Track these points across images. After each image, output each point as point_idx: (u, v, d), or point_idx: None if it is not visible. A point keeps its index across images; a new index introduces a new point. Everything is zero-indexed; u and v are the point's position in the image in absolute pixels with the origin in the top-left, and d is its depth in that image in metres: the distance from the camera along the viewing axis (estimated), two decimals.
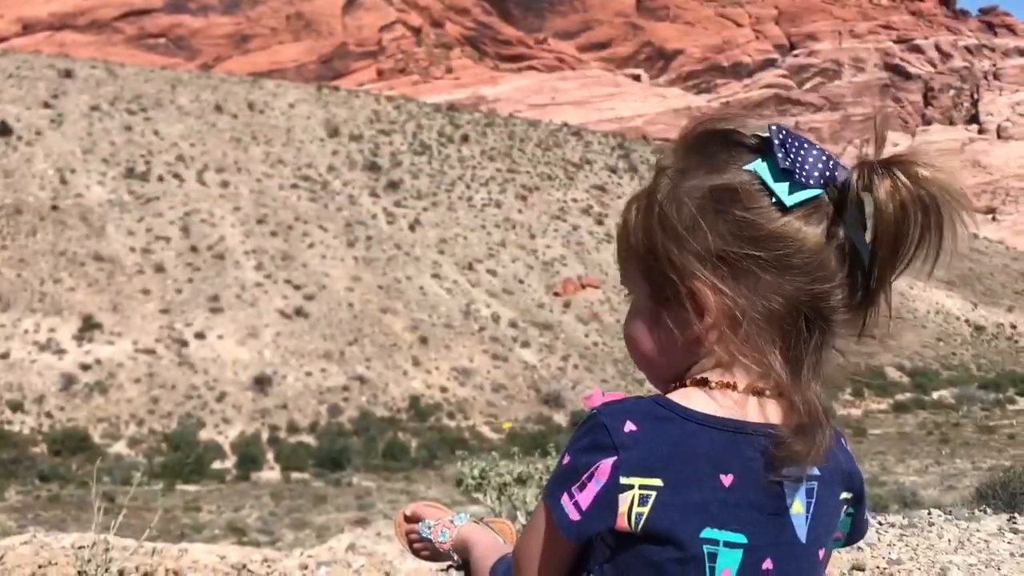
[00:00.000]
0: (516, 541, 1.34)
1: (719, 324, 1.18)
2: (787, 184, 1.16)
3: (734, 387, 1.19)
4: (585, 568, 1.23)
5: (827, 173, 1.17)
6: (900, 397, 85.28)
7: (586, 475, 1.15)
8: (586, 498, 1.15)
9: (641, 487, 1.13)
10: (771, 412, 1.19)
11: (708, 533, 1.14)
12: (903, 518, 3.85)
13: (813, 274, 1.17)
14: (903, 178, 1.16)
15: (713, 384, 1.19)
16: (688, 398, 1.19)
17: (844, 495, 1.27)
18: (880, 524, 3.75)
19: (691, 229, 1.18)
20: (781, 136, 1.18)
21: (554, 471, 1.22)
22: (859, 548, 3.45)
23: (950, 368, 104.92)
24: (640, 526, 1.14)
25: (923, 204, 1.16)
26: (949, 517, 3.90)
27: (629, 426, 1.15)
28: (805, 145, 1.18)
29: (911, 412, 78.01)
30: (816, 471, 1.21)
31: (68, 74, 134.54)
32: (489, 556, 1.70)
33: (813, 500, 1.20)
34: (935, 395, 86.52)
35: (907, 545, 3.35)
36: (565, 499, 1.17)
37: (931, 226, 1.16)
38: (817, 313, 1.18)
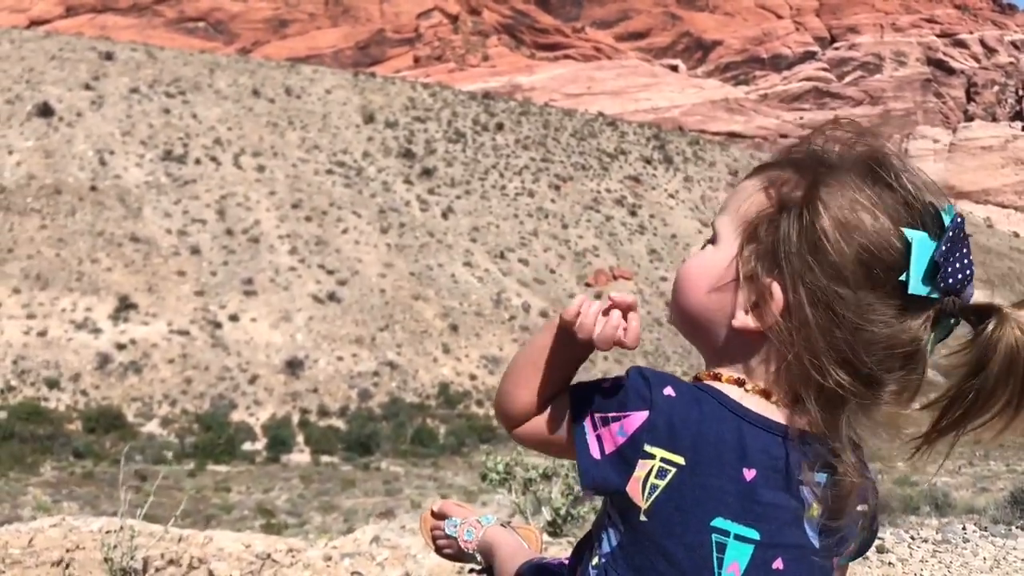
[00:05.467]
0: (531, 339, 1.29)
1: (773, 336, 1.16)
2: (926, 277, 1.12)
3: (768, 395, 1.18)
4: (597, 552, 1.21)
5: (957, 286, 1.13)
6: (934, 395, 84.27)
7: (613, 413, 1.15)
8: (608, 441, 1.15)
9: (662, 459, 1.13)
10: (803, 421, 1.18)
11: (719, 523, 1.14)
12: (937, 533, 3.75)
13: (881, 357, 1.14)
14: None
15: (749, 388, 1.18)
16: (727, 390, 1.18)
17: (860, 507, 1.26)
18: (913, 539, 3.66)
19: (813, 247, 1.15)
20: (957, 230, 1.13)
21: (590, 389, 1.20)
22: (890, 564, 3.37)
23: None
24: (652, 499, 1.13)
25: None
26: (984, 533, 3.80)
27: (668, 390, 1.15)
28: (964, 250, 1.13)
29: None
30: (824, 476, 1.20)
31: (109, 56, 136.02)
32: (515, 560, 1.67)
33: (827, 507, 1.19)
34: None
35: (940, 562, 3.26)
36: (588, 421, 1.17)
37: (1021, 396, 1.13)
38: (863, 391, 1.15)
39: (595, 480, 1.16)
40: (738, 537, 1.14)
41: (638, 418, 1.13)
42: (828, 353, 1.13)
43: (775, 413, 1.17)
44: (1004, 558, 3.38)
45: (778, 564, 1.16)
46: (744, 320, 1.18)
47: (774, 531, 1.15)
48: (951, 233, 1.12)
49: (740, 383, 1.18)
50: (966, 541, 3.68)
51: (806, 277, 1.14)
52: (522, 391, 1.24)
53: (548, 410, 1.23)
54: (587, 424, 1.16)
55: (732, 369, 1.19)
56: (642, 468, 1.13)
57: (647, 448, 1.13)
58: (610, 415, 1.15)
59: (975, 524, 4.21)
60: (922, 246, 1.12)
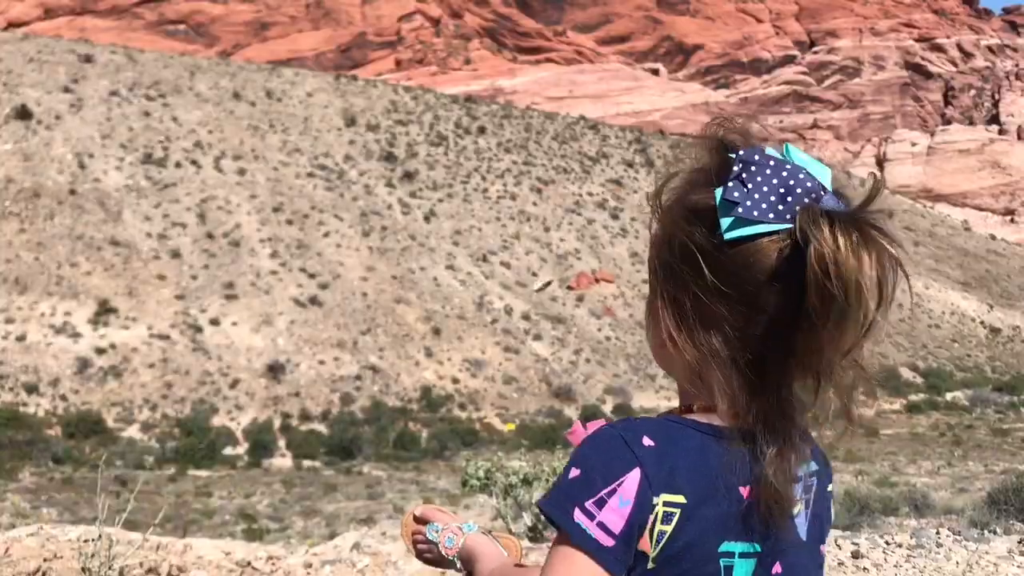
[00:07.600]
0: None
1: (687, 355, 1.16)
2: (730, 218, 1.08)
3: (714, 410, 1.17)
4: None
5: (784, 207, 1.06)
6: (913, 397, 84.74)
7: (606, 490, 1.09)
8: (615, 519, 1.08)
9: (665, 504, 1.10)
10: (747, 424, 1.17)
11: (726, 546, 1.13)
12: (911, 537, 3.78)
13: (752, 315, 1.10)
14: (853, 241, 1.03)
15: (701, 408, 1.19)
16: (697, 416, 1.18)
17: (829, 487, 1.29)
18: (887, 544, 3.68)
19: (658, 244, 1.16)
20: (743, 163, 1.09)
21: (554, 487, 1.15)
22: (865, 569, 3.40)
23: (964, 370, 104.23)
24: (660, 545, 1.11)
25: (853, 280, 1.03)
26: (958, 538, 3.83)
27: (647, 441, 1.11)
28: (767, 172, 1.07)
29: (924, 413, 77.55)
30: (813, 465, 1.21)
31: (88, 59, 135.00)
32: (493, 570, 1.68)
33: (811, 496, 1.21)
34: (949, 396, 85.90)
35: (914, 567, 3.28)
36: (579, 515, 1.09)
37: (848, 305, 1.04)
38: (765, 353, 1.12)
39: (623, 564, 1.10)
40: (742, 555, 1.14)
41: (633, 479, 1.09)
42: (715, 335, 1.11)
43: (731, 422, 1.16)
44: (976, 562, 3.40)
45: (777, 568, 1.18)
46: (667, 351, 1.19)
47: (773, 542, 1.16)
48: (737, 167, 1.08)
49: (705, 409, 1.17)
50: (939, 546, 3.67)
51: (666, 283, 1.15)
52: None
53: None
54: (579, 518, 1.09)
55: (698, 398, 1.18)
56: (649, 522, 1.11)
57: (654, 501, 1.10)
58: (602, 494, 1.09)
59: (949, 528, 4.26)
60: (719, 193, 1.10)
